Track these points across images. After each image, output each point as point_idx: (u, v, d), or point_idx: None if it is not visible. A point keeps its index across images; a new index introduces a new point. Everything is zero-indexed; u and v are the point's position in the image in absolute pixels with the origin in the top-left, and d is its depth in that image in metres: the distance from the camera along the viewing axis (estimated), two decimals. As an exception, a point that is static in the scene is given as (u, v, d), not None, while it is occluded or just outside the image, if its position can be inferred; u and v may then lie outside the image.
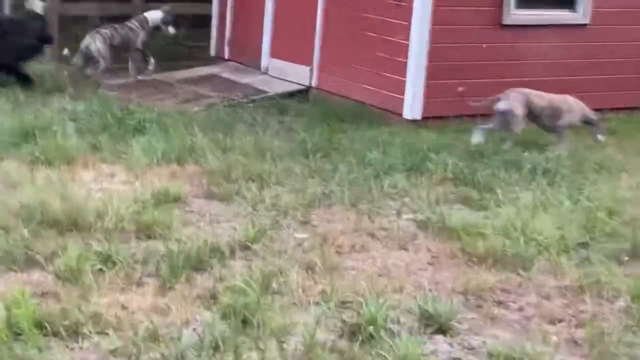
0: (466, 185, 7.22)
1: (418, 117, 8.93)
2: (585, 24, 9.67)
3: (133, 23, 10.42)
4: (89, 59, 9.87)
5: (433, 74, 8.92)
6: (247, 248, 5.62)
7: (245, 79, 10.56)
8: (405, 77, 8.94)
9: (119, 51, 10.32)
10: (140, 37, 10.36)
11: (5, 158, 7.01)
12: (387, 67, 9.13)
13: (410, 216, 6.49)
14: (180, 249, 5.35)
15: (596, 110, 9.61)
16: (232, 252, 5.54)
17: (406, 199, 6.85)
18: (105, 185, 6.60)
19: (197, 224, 6.03)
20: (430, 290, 5.24)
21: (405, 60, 8.91)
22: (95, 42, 9.85)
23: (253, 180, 6.94)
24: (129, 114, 8.41)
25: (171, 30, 10.54)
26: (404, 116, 8.96)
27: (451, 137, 8.50)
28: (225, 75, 10.85)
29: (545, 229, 6.09)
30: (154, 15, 10.53)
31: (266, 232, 5.90)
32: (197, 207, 6.37)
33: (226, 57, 11.42)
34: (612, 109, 9.83)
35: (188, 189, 6.70)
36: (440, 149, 8.03)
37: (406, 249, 5.88)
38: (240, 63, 11.17)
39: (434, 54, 8.89)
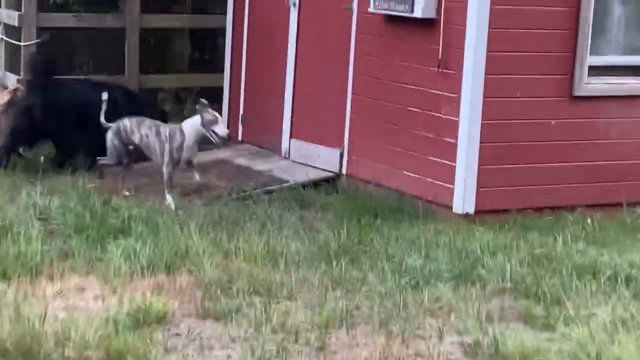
0: (528, 298, 6.87)
1: (470, 210, 8.62)
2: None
3: (165, 128, 9.37)
4: None
5: (488, 157, 8.64)
6: (242, 384, 5.29)
7: (261, 165, 10.37)
8: (454, 161, 8.66)
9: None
10: (164, 152, 9.23)
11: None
12: (432, 148, 8.88)
13: (455, 339, 6.13)
14: (155, 385, 5.03)
15: None
16: (223, 389, 5.21)
17: (451, 317, 6.50)
18: (72, 302, 6.33)
19: (183, 351, 5.72)
20: None
21: (453, 141, 8.64)
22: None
23: (259, 294, 6.65)
24: (113, 210, 8.20)
25: (221, 131, 9.19)
26: (454, 210, 8.65)
27: (511, 236, 8.17)
28: (238, 160, 10.68)
29: (627, 356, 5.69)
30: (191, 123, 9.26)
31: (268, 362, 5.58)
32: (186, 329, 6.07)
33: (240, 139, 11.29)
34: None
35: (176, 305, 6.42)
36: (497, 251, 7.70)
37: (447, 383, 5.51)
38: (257, 145, 11.02)
39: (490, 133, 8.62)
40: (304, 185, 9.67)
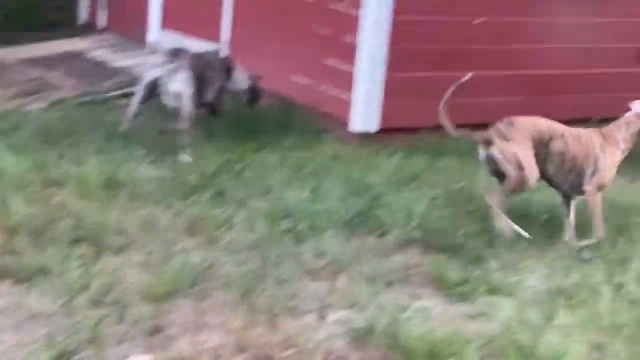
0: (441, 252, 5.44)
1: (372, 128, 7.11)
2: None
3: None
4: None
5: (397, 61, 7.10)
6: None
7: (121, 61, 8.74)
8: (352, 65, 7.10)
9: None
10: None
11: None
12: (328, 49, 7.32)
13: (343, 315, 4.66)
14: None
15: None
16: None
17: (339, 280, 5.03)
18: None
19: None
20: None
21: (352, 40, 7.08)
22: None
23: (85, 243, 5.09)
24: None
25: None
26: (352, 127, 7.14)
27: (422, 163, 6.72)
28: (96, 53, 9.07)
29: (572, 347, 4.30)
30: None
31: (73, 355, 4.04)
32: (-31, 296, 4.51)
33: (101, 26, 9.61)
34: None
35: (-35, 259, 4.84)
36: (403, 185, 6.26)
37: (326, 391, 4.04)
38: (122, 36, 9.35)
39: (400, 31, 7.08)
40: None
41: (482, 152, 5.73)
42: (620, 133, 5.80)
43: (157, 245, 5.18)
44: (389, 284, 5.02)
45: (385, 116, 7.12)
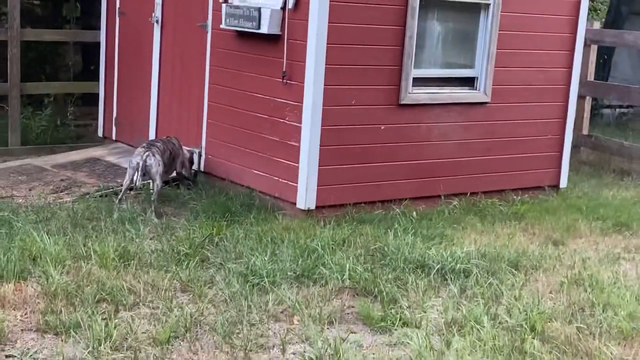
0: (367, 296, 5.26)
1: (312, 206, 6.93)
2: (486, 102, 7.87)
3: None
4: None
5: (327, 158, 6.97)
6: None
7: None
8: (297, 162, 6.96)
9: None
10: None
11: None
12: (278, 151, 7.15)
13: (299, 348, 4.46)
14: None
15: (501, 191, 8.02)
16: None
17: (295, 321, 4.82)
18: None
19: (10, 380, 3.87)
20: None
21: (297, 144, 6.94)
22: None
23: (105, 302, 4.83)
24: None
25: None
26: (297, 206, 6.96)
27: (349, 231, 6.53)
28: (109, 158, 8.71)
29: (466, 367, 4.14)
30: None
31: (101, 391, 3.78)
32: (22, 347, 4.23)
33: (114, 138, 9.33)
34: (515, 190, 8.14)
35: (17, 319, 4.54)
36: (336, 247, 6.06)
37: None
38: (129, 144, 9.08)
39: (328, 137, 6.95)
40: (167, 182, 7.78)
41: None
42: None
43: (160, 301, 4.95)
44: (331, 322, 4.82)
45: (320, 197, 6.96)
